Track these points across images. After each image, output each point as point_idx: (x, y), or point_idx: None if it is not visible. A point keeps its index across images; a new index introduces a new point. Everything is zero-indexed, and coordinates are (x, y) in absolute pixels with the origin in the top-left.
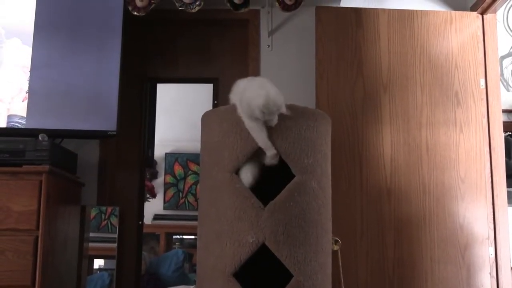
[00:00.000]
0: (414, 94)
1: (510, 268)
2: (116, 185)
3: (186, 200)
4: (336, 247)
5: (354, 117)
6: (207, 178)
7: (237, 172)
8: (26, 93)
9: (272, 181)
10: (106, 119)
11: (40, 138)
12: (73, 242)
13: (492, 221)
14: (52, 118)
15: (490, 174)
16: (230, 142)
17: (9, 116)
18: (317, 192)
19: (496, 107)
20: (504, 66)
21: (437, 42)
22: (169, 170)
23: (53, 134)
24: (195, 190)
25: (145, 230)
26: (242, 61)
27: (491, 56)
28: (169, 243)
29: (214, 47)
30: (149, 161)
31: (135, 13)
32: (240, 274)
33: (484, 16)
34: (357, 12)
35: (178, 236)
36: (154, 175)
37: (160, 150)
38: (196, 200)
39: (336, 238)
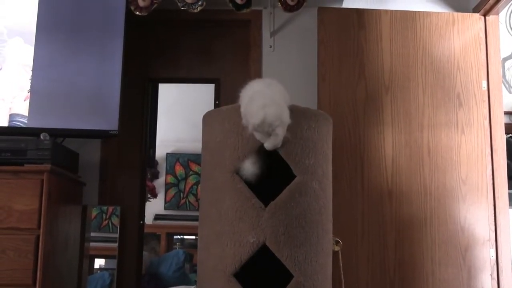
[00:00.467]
0: (416, 96)
1: (511, 270)
2: (117, 185)
3: (187, 200)
4: (337, 248)
5: (356, 118)
6: (208, 179)
7: (238, 172)
8: (28, 92)
9: (273, 181)
10: (107, 119)
11: (41, 137)
12: (74, 242)
13: (493, 223)
14: (54, 118)
15: (491, 176)
16: (231, 142)
17: (11, 115)
18: (318, 193)
19: (498, 109)
20: (506, 68)
21: (439, 43)
22: (170, 170)
23: (55, 133)
24: (196, 190)
25: (146, 230)
26: (244, 61)
27: (493, 58)
28: (170, 243)
29: (216, 48)
30: (150, 161)
31: (137, 13)
32: (241, 274)
33: (487, 17)
34: (359, 13)
35: (178, 236)
36: (155, 175)
37: (161, 150)
38: (197, 200)
39: (337, 239)
